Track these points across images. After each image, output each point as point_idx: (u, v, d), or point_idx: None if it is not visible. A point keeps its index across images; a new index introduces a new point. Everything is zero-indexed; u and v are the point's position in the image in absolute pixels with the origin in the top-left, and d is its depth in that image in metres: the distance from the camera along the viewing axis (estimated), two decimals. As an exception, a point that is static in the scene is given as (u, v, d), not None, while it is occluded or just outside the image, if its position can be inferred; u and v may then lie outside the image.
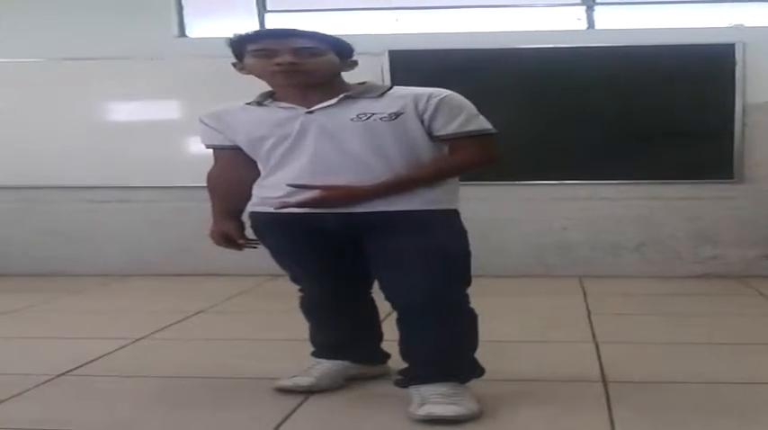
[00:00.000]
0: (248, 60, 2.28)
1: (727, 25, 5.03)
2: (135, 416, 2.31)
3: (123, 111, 5.39)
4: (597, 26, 5.18)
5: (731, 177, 4.96)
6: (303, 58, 2.21)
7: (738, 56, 4.86)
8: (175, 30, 5.37)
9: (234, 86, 5.70)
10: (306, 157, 2.24)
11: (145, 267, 5.24)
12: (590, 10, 5.18)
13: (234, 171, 2.40)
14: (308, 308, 2.55)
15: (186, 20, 5.41)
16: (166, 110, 5.39)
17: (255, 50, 2.25)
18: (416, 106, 2.24)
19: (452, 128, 2.23)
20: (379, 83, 2.37)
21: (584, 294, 4.38)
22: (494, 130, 2.28)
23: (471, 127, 2.24)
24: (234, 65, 2.34)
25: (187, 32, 5.42)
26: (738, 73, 4.86)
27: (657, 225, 5.08)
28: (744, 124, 4.91)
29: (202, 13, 5.43)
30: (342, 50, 2.30)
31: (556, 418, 2.22)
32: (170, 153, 5.28)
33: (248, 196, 2.38)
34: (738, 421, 2.21)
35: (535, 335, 3.32)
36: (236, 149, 2.37)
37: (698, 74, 4.86)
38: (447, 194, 2.30)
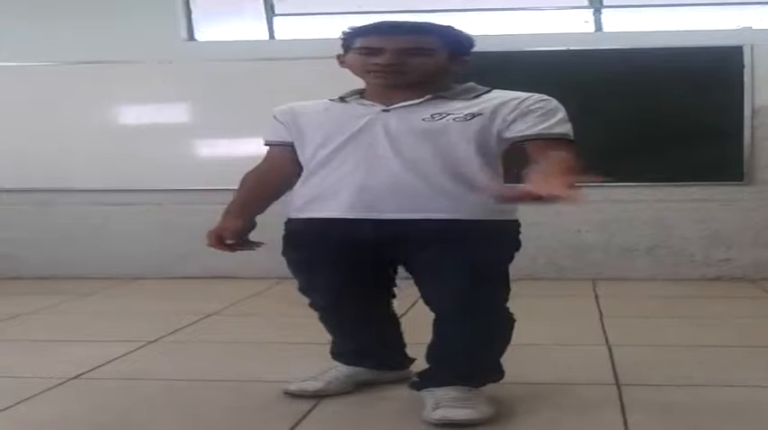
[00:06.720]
0: (349, 56, 2.16)
1: (736, 27, 5.01)
2: (147, 418, 2.31)
3: (132, 115, 5.42)
4: (605, 29, 5.17)
5: (741, 179, 4.94)
6: (407, 57, 2.08)
7: (747, 58, 4.85)
8: (184, 33, 5.38)
9: (242, 89, 5.66)
10: (354, 159, 2.12)
11: (155, 270, 5.24)
12: (597, 13, 5.17)
13: (281, 169, 2.30)
14: (323, 316, 2.46)
15: (195, 23, 5.42)
16: (175, 113, 5.40)
17: (360, 47, 2.12)
18: (503, 108, 2.12)
19: (544, 126, 2.12)
20: (481, 86, 2.23)
21: (597, 297, 4.37)
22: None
23: (564, 129, 2.15)
24: (337, 57, 2.21)
25: (196, 36, 5.43)
26: (747, 75, 4.86)
27: (669, 227, 5.06)
28: (753, 126, 4.90)
29: (211, 16, 5.44)
30: (457, 48, 2.18)
31: (569, 422, 2.21)
32: (179, 156, 5.29)
33: (274, 199, 2.32)
34: (753, 424, 2.20)
35: (548, 337, 3.30)
36: (292, 147, 2.27)
37: (706, 76, 4.85)
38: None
